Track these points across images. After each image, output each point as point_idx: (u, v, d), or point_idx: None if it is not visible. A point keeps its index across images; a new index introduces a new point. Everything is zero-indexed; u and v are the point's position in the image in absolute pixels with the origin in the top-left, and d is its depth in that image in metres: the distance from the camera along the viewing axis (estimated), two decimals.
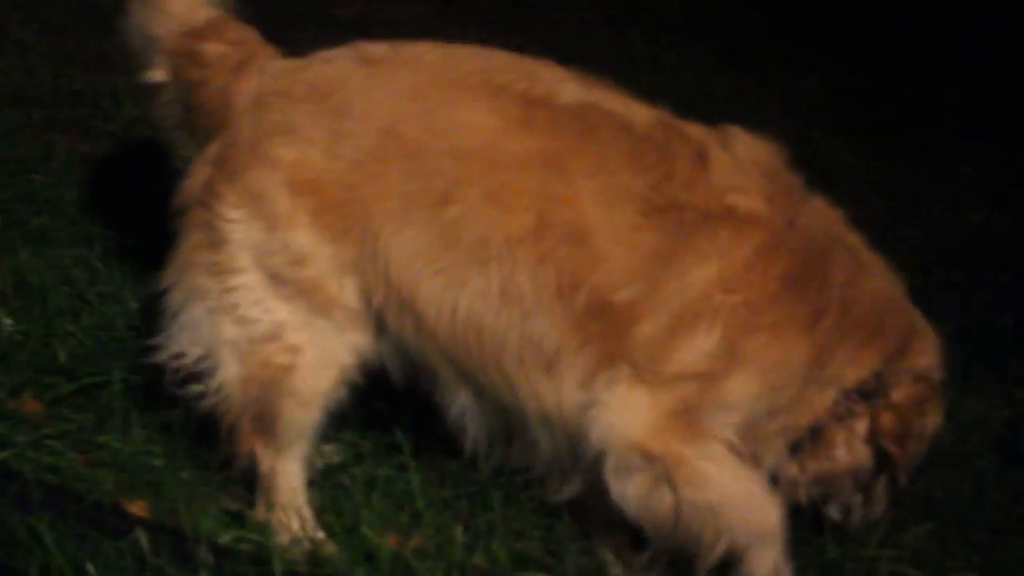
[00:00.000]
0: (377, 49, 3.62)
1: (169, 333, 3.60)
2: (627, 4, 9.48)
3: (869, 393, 3.56)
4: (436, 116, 3.46)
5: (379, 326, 3.54)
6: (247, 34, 3.77)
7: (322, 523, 3.61)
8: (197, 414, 3.59)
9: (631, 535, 3.58)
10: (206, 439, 3.69)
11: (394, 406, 3.74)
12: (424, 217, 3.40)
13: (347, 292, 3.49)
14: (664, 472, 3.37)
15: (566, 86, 3.51)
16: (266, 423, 3.52)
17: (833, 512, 3.73)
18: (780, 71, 8.66)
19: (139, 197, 4.58)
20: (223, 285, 3.50)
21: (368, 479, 3.80)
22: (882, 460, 3.65)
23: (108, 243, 4.60)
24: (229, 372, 3.52)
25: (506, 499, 3.71)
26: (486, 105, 3.45)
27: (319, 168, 3.45)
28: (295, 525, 3.52)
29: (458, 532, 3.52)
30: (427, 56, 3.60)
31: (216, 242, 3.51)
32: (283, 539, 3.46)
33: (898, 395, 3.58)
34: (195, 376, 3.58)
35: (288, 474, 3.58)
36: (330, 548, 3.49)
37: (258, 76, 3.62)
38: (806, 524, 3.78)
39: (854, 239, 3.62)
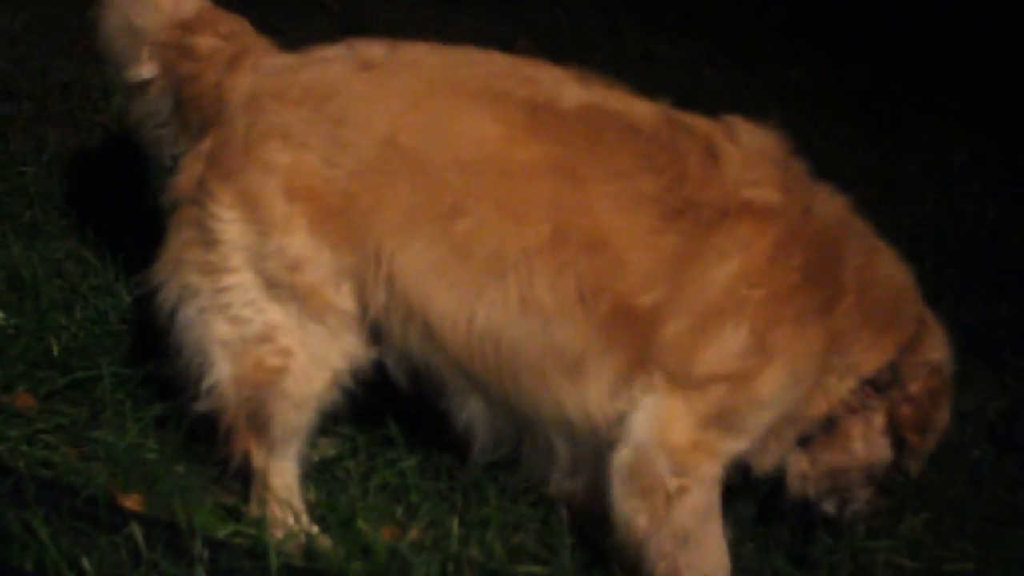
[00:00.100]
0: (374, 51, 3.56)
1: (161, 330, 3.58)
2: None
3: (883, 386, 3.56)
4: (439, 126, 3.42)
5: (377, 333, 3.53)
6: (240, 27, 3.71)
7: (317, 517, 3.60)
8: (193, 413, 3.57)
9: None
10: (200, 433, 3.68)
11: (389, 400, 3.72)
12: (433, 230, 3.37)
13: (343, 297, 3.48)
14: (678, 487, 3.36)
15: (568, 88, 3.48)
16: (260, 423, 3.51)
17: (828, 506, 3.73)
18: (771, 62, 8.65)
19: (130, 190, 4.58)
20: (216, 285, 3.48)
21: (363, 472, 3.80)
22: (899, 453, 3.65)
23: (100, 236, 4.58)
24: (222, 371, 3.51)
25: (501, 492, 3.71)
26: (490, 114, 3.41)
27: (317, 175, 3.42)
28: (290, 520, 3.50)
29: (454, 525, 3.52)
30: (425, 60, 3.55)
31: (208, 241, 3.48)
32: (278, 533, 3.45)
33: (915, 387, 3.58)
34: (188, 374, 3.56)
35: (283, 471, 3.57)
36: (326, 542, 3.48)
37: (252, 72, 3.57)
38: (796, 515, 3.79)
39: (862, 226, 3.62)
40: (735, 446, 3.42)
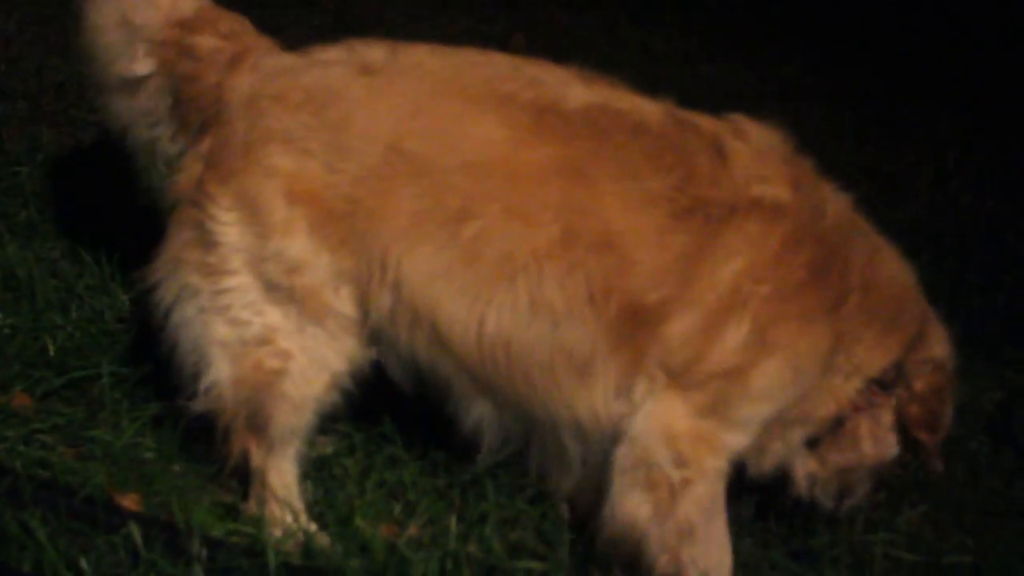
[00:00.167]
0: (375, 54, 3.53)
1: (159, 330, 3.58)
2: None
3: (888, 384, 3.57)
4: (443, 131, 3.41)
5: (377, 337, 3.52)
6: (240, 26, 3.69)
7: (315, 515, 3.60)
8: (190, 412, 3.57)
9: None
10: (197, 432, 3.68)
11: (386, 398, 3.72)
12: (440, 235, 3.37)
13: (343, 301, 3.47)
14: (682, 479, 3.37)
15: (572, 89, 3.47)
16: (259, 424, 3.51)
17: (825, 500, 3.74)
18: (766, 57, 8.65)
19: (125, 189, 4.57)
20: (215, 286, 3.48)
21: (361, 470, 3.80)
22: (911, 452, 3.67)
23: (95, 235, 4.57)
24: (221, 372, 3.51)
25: (499, 489, 3.71)
26: (495, 116, 3.40)
27: (318, 181, 3.41)
28: (288, 518, 3.50)
29: (452, 522, 3.52)
30: (427, 64, 3.52)
31: (208, 243, 3.48)
32: (276, 532, 3.45)
33: (920, 385, 3.59)
34: (184, 372, 3.56)
35: (281, 471, 3.57)
36: (324, 540, 3.48)
37: (252, 73, 3.55)
38: (795, 510, 3.79)
39: (866, 224, 3.62)
40: (734, 439, 3.42)
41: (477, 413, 3.56)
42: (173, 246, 3.54)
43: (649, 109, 3.49)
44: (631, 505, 3.40)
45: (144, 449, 3.75)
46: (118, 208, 4.69)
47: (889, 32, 9.05)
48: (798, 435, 3.57)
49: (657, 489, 3.37)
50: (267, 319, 3.48)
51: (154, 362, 3.95)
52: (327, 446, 3.87)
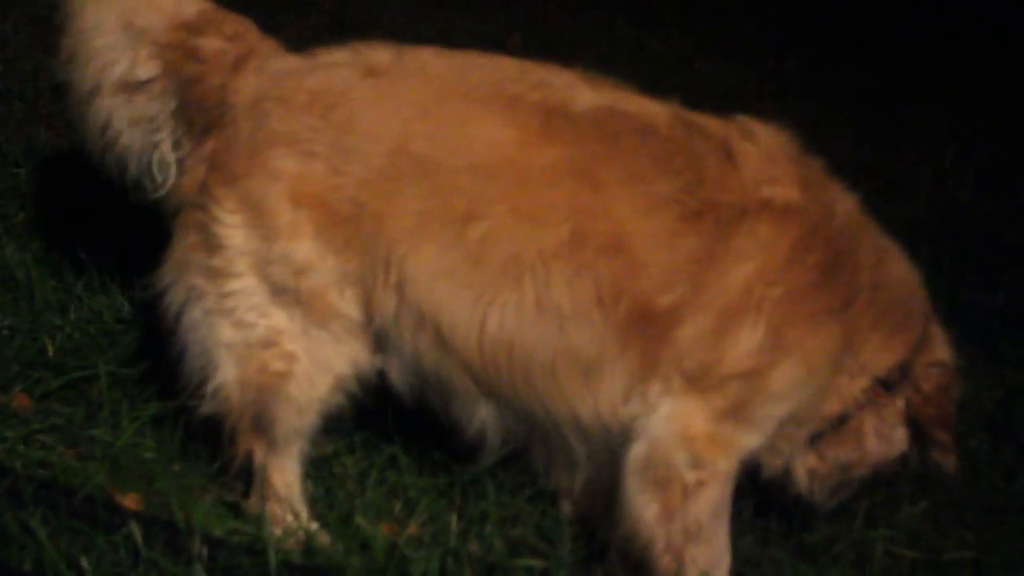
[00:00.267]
0: (380, 56, 3.53)
1: (167, 332, 3.58)
2: None
3: (892, 384, 3.57)
4: (449, 133, 3.40)
5: (381, 340, 3.52)
6: (244, 27, 3.67)
7: (316, 513, 3.60)
8: (198, 415, 3.57)
9: None
10: (197, 432, 3.68)
11: (386, 396, 3.72)
12: (446, 236, 3.36)
13: (348, 303, 3.47)
14: (696, 481, 3.37)
15: (579, 91, 3.47)
16: (263, 425, 3.52)
17: (823, 496, 3.74)
18: (762, 55, 8.65)
19: (123, 190, 4.56)
20: (220, 289, 3.48)
21: (361, 469, 3.80)
22: (924, 450, 3.69)
23: (94, 236, 4.56)
24: (227, 374, 3.51)
25: (500, 487, 3.71)
26: (502, 119, 3.40)
27: (324, 183, 3.40)
28: (289, 517, 3.50)
29: (452, 520, 3.52)
30: (432, 67, 3.52)
31: (213, 245, 3.48)
32: (277, 530, 3.45)
33: (929, 386, 3.60)
34: (192, 375, 3.56)
35: (284, 470, 3.58)
36: (324, 538, 3.48)
37: (257, 75, 3.54)
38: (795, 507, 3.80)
39: (872, 224, 3.61)
40: (750, 440, 3.43)
41: (480, 417, 3.55)
42: (179, 249, 3.54)
43: (656, 111, 3.48)
44: (642, 504, 3.40)
45: (144, 449, 3.75)
46: (116, 209, 4.67)
47: (887, 30, 9.05)
48: (804, 433, 3.58)
49: (670, 489, 3.37)
50: (272, 321, 3.48)
51: (153, 362, 3.96)
52: (327, 445, 3.86)
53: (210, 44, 3.60)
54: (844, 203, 3.54)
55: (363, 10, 7.69)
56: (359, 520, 3.51)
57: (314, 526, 3.53)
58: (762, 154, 3.47)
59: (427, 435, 3.80)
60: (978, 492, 4.25)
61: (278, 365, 3.48)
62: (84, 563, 3.09)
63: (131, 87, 3.65)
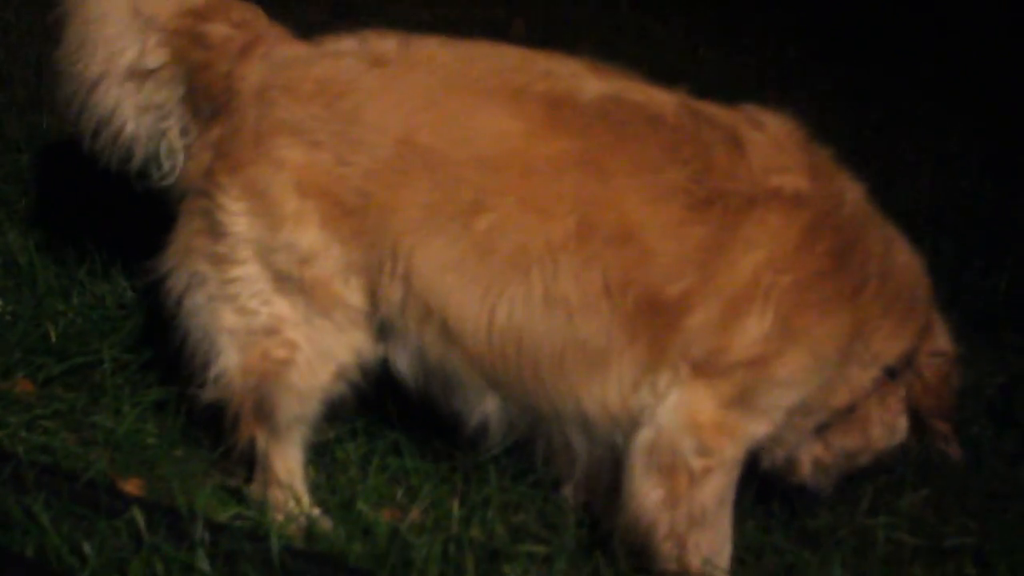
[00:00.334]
0: (386, 46, 3.51)
1: (170, 318, 3.58)
2: None
3: (895, 372, 3.57)
4: (456, 124, 3.39)
5: (386, 329, 3.52)
6: (252, 14, 3.67)
7: (318, 499, 3.60)
8: (201, 401, 3.57)
9: None
10: (199, 418, 3.69)
11: (388, 382, 3.72)
12: (453, 228, 3.35)
13: (352, 292, 3.46)
14: (703, 468, 3.37)
15: (586, 81, 3.45)
16: (265, 412, 3.52)
17: (827, 484, 3.75)
18: (765, 41, 8.65)
19: (126, 176, 4.56)
20: (223, 275, 3.48)
21: (363, 455, 3.81)
22: (922, 438, 3.70)
23: (96, 222, 4.57)
24: (229, 361, 3.51)
25: (502, 473, 3.71)
26: (509, 110, 3.38)
27: (329, 174, 3.39)
28: (291, 503, 3.51)
29: (454, 506, 3.52)
30: (439, 57, 3.50)
31: (217, 232, 3.48)
32: (279, 516, 3.46)
33: (931, 375, 3.60)
34: (195, 360, 3.57)
35: (286, 457, 3.58)
36: (326, 524, 3.49)
37: (263, 62, 3.53)
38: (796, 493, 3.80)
39: (879, 213, 3.61)
40: (757, 428, 3.42)
41: (485, 409, 3.55)
42: (183, 235, 3.53)
43: (664, 100, 3.47)
44: (647, 489, 3.40)
45: (146, 434, 3.76)
46: (118, 195, 4.67)
47: (890, 16, 9.04)
48: (811, 424, 3.58)
49: (676, 476, 3.37)
50: (274, 309, 3.48)
51: (155, 348, 3.97)
52: (329, 431, 3.86)
53: (217, 31, 3.60)
54: (852, 192, 3.53)
55: None
56: (361, 506, 3.51)
57: (316, 512, 3.54)
58: (771, 143, 3.46)
59: (429, 421, 3.80)
60: (980, 479, 4.24)
61: (280, 353, 3.48)
62: (86, 548, 3.09)
63: (140, 75, 3.64)
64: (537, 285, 3.34)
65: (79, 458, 3.56)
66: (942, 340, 3.65)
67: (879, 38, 8.71)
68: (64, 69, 3.71)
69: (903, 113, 7.68)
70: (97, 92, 3.67)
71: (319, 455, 3.76)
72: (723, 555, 3.48)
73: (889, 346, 3.52)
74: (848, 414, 3.58)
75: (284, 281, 3.45)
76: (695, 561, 3.42)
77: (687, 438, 3.35)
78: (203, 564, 3.11)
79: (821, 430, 3.61)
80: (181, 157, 3.65)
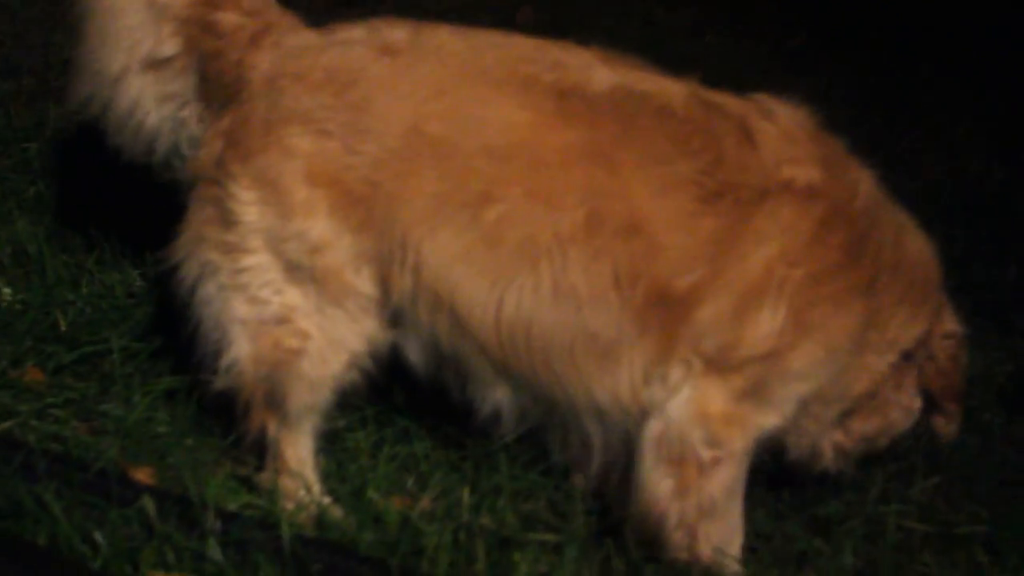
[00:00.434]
0: (397, 35, 3.51)
1: (181, 307, 3.59)
2: None
3: (911, 355, 3.57)
4: (465, 114, 3.38)
5: (398, 318, 3.52)
6: (262, 2, 3.67)
7: (328, 488, 3.60)
8: (212, 390, 3.58)
9: None
10: (210, 406, 3.69)
11: (398, 370, 3.72)
12: (461, 218, 3.34)
13: (364, 281, 3.46)
14: (712, 459, 3.37)
15: (596, 71, 3.44)
16: (276, 401, 3.52)
17: (847, 468, 3.76)
18: (773, 28, 8.62)
19: (134, 164, 4.56)
20: (235, 264, 3.48)
21: (374, 443, 3.80)
22: (935, 420, 3.73)
23: (105, 210, 4.57)
24: (241, 350, 3.51)
25: (513, 461, 3.70)
26: (518, 100, 3.38)
27: (338, 163, 3.39)
28: (302, 491, 3.51)
29: (465, 494, 3.52)
30: (449, 45, 3.49)
31: (227, 221, 3.47)
32: (290, 505, 3.46)
33: (943, 358, 3.62)
34: (206, 349, 3.57)
35: (297, 445, 3.58)
36: (337, 512, 3.49)
37: (273, 51, 3.53)
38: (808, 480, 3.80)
39: (889, 200, 3.60)
40: (767, 420, 3.42)
41: (496, 399, 3.55)
42: (194, 223, 3.54)
43: (674, 91, 3.45)
44: (657, 480, 3.40)
45: (157, 423, 3.76)
46: (126, 183, 4.67)
47: (899, 2, 9.00)
48: (834, 413, 3.58)
49: (686, 466, 3.37)
50: (286, 298, 3.48)
51: (165, 337, 3.97)
52: (339, 419, 3.86)
53: (228, 19, 3.60)
54: (865, 182, 3.52)
55: None
56: (371, 494, 3.51)
57: (327, 500, 3.54)
58: (782, 133, 3.45)
59: (440, 409, 3.80)
60: (991, 466, 4.24)
61: (291, 342, 3.48)
62: (98, 537, 3.09)
63: (157, 65, 3.67)
64: (546, 277, 3.34)
65: (90, 447, 3.56)
66: (950, 321, 3.67)
67: (888, 24, 8.68)
68: (86, 66, 3.73)
69: (912, 99, 7.65)
70: (120, 86, 3.70)
71: (329, 443, 3.76)
72: (733, 544, 3.48)
73: (905, 332, 3.53)
74: (868, 400, 3.58)
75: (295, 270, 3.45)
76: (705, 550, 3.42)
77: (697, 429, 3.35)
78: (214, 552, 3.11)
79: (842, 417, 3.61)
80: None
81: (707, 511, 3.40)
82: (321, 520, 3.44)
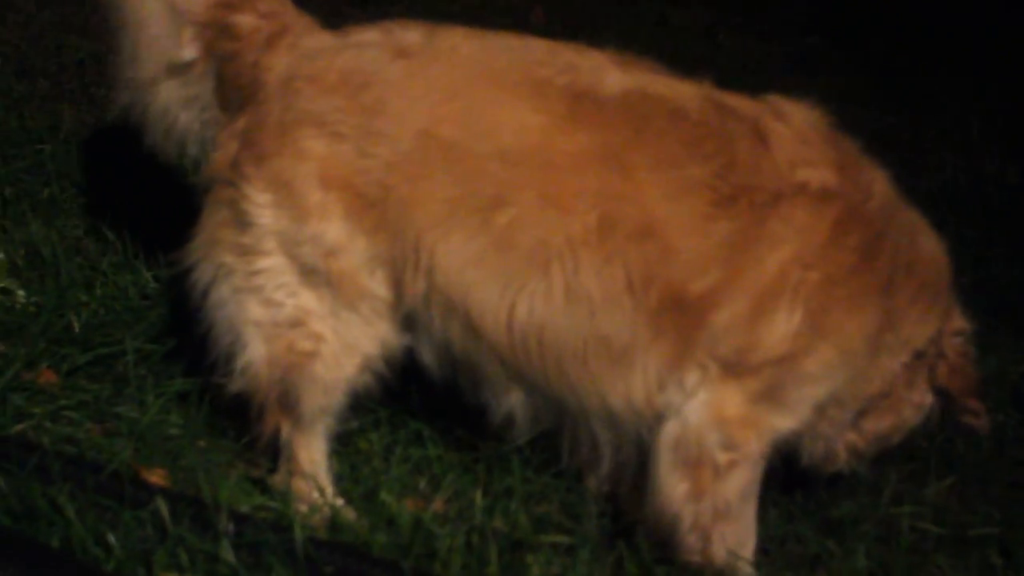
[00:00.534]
0: (411, 37, 3.50)
1: (195, 309, 3.59)
2: None
3: (922, 354, 3.56)
4: (478, 117, 3.38)
5: (411, 321, 3.52)
6: (279, 5, 3.68)
7: (341, 490, 3.61)
8: (227, 392, 3.58)
9: None
10: (223, 408, 3.69)
11: (411, 373, 3.72)
12: (474, 222, 3.34)
13: (378, 284, 3.46)
14: (728, 462, 3.36)
15: (609, 74, 3.42)
16: (290, 403, 3.53)
17: (861, 467, 3.75)
18: (786, 27, 8.61)
19: (147, 166, 4.57)
20: (249, 267, 3.48)
21: (386, 445, 3.81)
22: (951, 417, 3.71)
23: (118, 213, 4.58)
24: (255, 352, 3.52)
25: (525, 463, 3.70)
26: (531, 103, 3.37)
27: (352, 165, 3.39)
28: (315, 494, 3.51)
29: (478, 496, 3.52)
30: (462, 48, 3.49)
31: (242, 223, 3.48)
32: (303, 507, 3.46)
33: (954, 355, 3.60)
34: (220, 352, 3.58)
35: (310, 448, 3.59)
36: (350, 514, 3.49)
37: (289, 53, 3.54)
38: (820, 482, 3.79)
39: (903, 201, 3.59)
40: (783, 423, 3.41)
41: (509, 402, 3.55)
42: (209, 226, 3.54)
43: (688, 93, 3.44)
44: (672, 482, 3.40)
45: (170, 425, 3.76)
46: (140, 186, 4.69)
47: (912, 1, 8.99)
48: (848, 415, 3.57)
49: (701, 469, 3.36)
50: (300, 301, 3.48)
51: (179, 338, 3.97)
52: (352, 421, 3.86)
53: (245, 21, 3.62)
54: (879, 183, 3.51)
55: None
56: (384, 496, 3.51)
57: (339, 502, 3.54)
58: (795, 135, 3.43)
59: (452, 411, 3.80)
60: (1004, 468, 4.23)
61: (305, 345, 3.49)
62: (111, 539, 3.09)
63: (179, 69, 3.70)
64: (558, 280, 3.34)
65: (103, 449, 3.56)
66: (959, 319, 3.65)
67: (900, 23, 8.67)
68: (122, 76, 3.80)
69: (926, 99, 7.64)
70: (151, 92, 3.75)
71: (342, 445, 3.77)
72: (747, 547, 3.48)
73: (918, 331, 3.52)
74: (882, 399, 3.58)
75: (310, 274, 3.45)
76: (719, 553, 3.42)
77: (713, 432, 3.34)
78: (227, 554, 3.11)
79: (856, 418, 3.61)
80: None
81: (722, 514, 3.40)
82: (334, 522, 3.44)
